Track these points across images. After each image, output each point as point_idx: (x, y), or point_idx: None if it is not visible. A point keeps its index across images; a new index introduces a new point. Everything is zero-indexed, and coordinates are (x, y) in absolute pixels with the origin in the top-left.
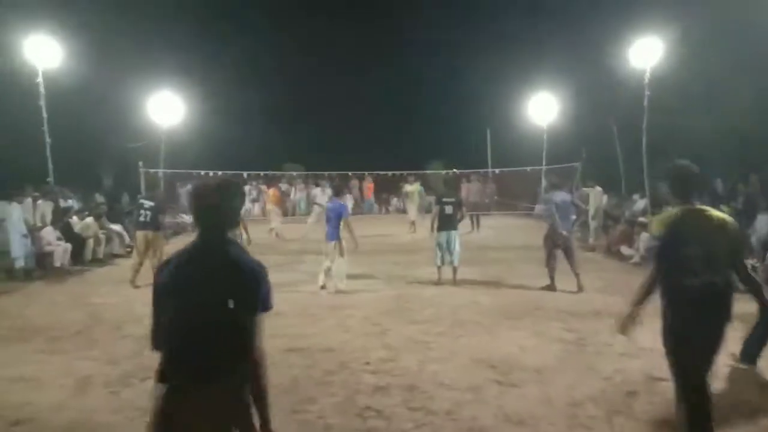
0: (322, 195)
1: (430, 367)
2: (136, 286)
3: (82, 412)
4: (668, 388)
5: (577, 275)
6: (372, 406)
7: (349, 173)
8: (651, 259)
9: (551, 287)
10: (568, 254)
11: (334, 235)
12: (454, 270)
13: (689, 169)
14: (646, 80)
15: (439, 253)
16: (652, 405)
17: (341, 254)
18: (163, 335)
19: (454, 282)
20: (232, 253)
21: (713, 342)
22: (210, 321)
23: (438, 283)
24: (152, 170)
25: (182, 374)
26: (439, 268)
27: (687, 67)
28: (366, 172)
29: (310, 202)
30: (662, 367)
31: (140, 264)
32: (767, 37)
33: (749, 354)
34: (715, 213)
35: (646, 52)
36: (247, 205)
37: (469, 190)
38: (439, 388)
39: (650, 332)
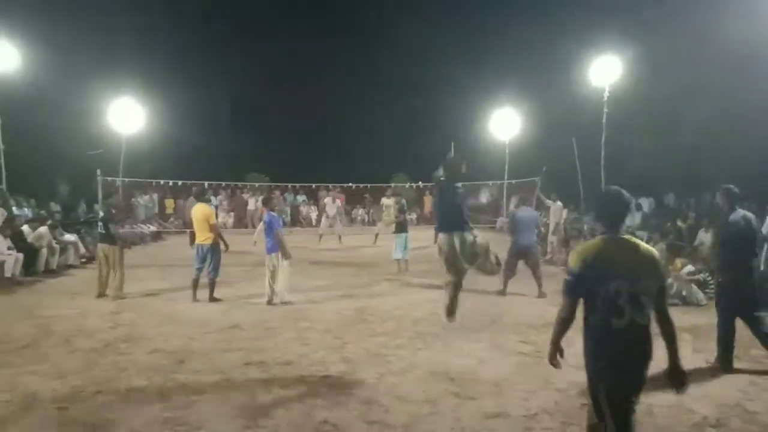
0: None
1: (389, 380)
2: (103, 296)
3: (26, 430)
4: None
5: (539, 285)
6: (329, 420)
7: (313, 185)
8: (567, 293)
9: (502, 292)
10: (532, 265)
11: (274, 247)
12: (406, 262)
13: (621, 196)
14: (605, 98)
15: (398, 250)
16: None
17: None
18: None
19: (404, 270)
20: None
21: (638, 384)
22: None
23: (397, 273)
24: (110, 178)
25: None
26: (398, 261)
27: (644, 87)
28: (330, 185)
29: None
30: None
31: (104, 276)
32: (722, 58)
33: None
34: (642, 244)
35: (605, 71)
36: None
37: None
38: (396, 401)
39: None
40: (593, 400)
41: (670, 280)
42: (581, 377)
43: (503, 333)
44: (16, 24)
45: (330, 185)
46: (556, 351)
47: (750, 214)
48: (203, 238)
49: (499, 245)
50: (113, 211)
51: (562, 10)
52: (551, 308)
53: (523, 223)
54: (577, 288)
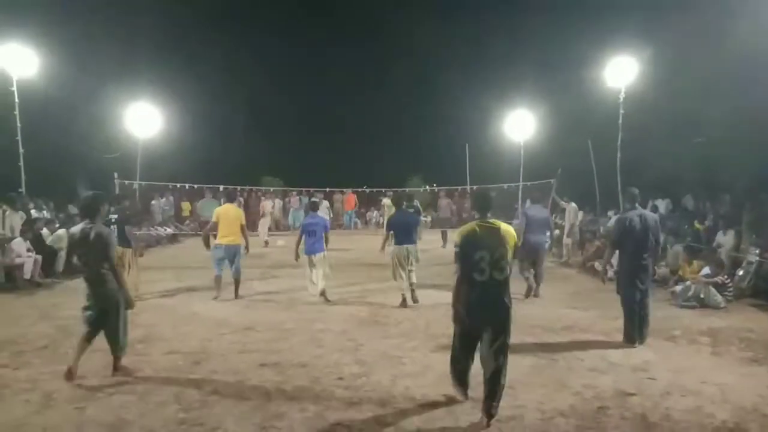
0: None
1: (403, 382)
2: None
3: (45, 429)
4: (639, 403)
5: (538, 284)
6: (342, 422)
7: (327, 189)
8: (455, 260)
9: (529, 293)
10: (536, 264)
11: (322, 247)
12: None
13: (487, 193)
14: (621, 99)
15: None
16: (623, 420)
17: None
18: None
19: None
20: None
21: (492, 318)
22: None
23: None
24: (127, 182)
25: None
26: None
27: (662, 87)
28: (342, 189)
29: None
30: (632, 382)
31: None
32: (739, 59)
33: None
34: (502, 225)
35: (621, 72)
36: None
37: (440, 206)
38: (411, 403)
39: (620, 349)
40: (455, 332)
41: (687, 283)
42: (597, 381)
43: (517, 335)
44: (36, 29)
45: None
46: (457, 302)
47: (649, 213)
48: (233, 238)
49: None
50: (127, 213)
51: (578, 11)
52: (565, 311)
53: (535, 222)
54: (461, 255)
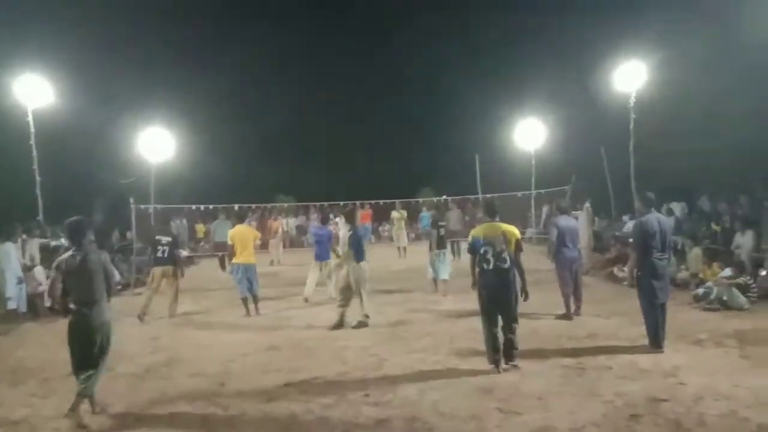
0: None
1: (431, 396)
2: (142, 320)
3: None
4: (671, 409)
5: (580, 300)
6: None
7: (341, 203)
8: (469, 251)
9: (568, 316)
10: (576, 279)
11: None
12: (444, 282)
13: (493, 201)
14: (631, 104)
15: (432, 268)
16: (657, 427)
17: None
18: None
19: (444, 294)
20: None
21: (501, 297)
22: None
23: (434, 293)
24: (143, 206)
25: None
26: (434, 280)
27: (676, 91)
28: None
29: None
30: (663, 388)
31: (150, 299)
32: (756, 61)
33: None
34: (503, 225)
35: (630, 77)
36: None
37: (449, 217)
38: (440, 417)
39: (647, 355)
40: (479, 303)
41: (709, 284)
42: (627, 388)
43: (542, 346)
44: (50, 59)
45: (358, 202)
46: (474, 279)
47: (663, 216)
48: (250, 257)
49: (525, 257)
50: (178, 236)
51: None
52: (588, 319)
53: (568, 233)
54: (472, 248)
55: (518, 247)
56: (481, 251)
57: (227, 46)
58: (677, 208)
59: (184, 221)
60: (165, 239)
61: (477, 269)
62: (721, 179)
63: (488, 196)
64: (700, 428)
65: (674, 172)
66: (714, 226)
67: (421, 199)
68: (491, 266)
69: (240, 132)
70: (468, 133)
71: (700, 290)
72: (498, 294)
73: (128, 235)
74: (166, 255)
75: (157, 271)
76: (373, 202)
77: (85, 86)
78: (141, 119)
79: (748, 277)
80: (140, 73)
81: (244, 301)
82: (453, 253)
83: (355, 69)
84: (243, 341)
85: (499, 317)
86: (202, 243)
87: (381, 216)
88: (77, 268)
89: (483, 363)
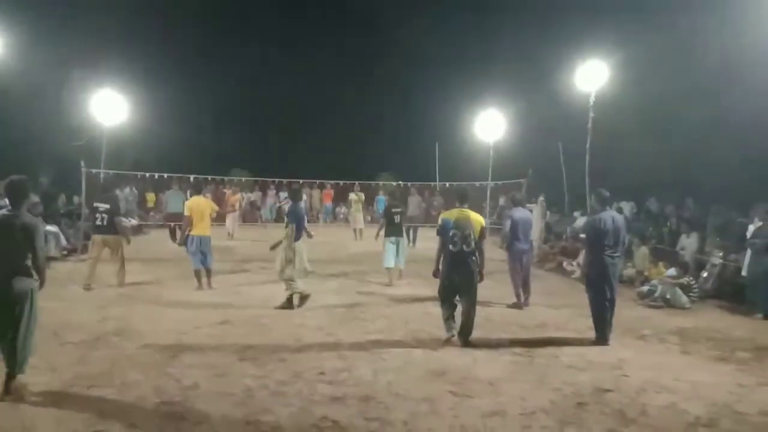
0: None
1: (385, 377)
2: (89, 289)
3: (20, 423)
4: (616, 399)
5: (528, 293)
6: (328, 416)
7: (300, 181)
8: (438, 234)
9: (518, 305)
10: (525, 271)
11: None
12: (400, 271)
13: (466, 188)
14: (591, 102)
15: (390, 256)
16: (603, 416)
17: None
18: None
19: (399, 278)
20: None
21: (463, 278)
22: None
23: (389, 284)
24: (94, 170)
25: None
26: (389, 270)
27: (633, 91)
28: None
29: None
30: (609, 379)
31: (93, 267)
32: (712, 65)
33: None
34: (471, 213)
35: (591, 76)
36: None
37: (409, 202)
38: (394, 398)
39: (594, 347)
40: (440, 285)
41: (654, 282)
42: (575, 378)
43: (494, 333)
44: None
45: (317, 181)
46: (437, 266)
47: (617, 214)
48: (205, 230)
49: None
50: (119, 203)
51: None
52: (538, 309)
53: (521, 226)
54: (442, 231)
55: (482, 234)
56: (450, 234)
57: (187, 11)
58: (626, 207)
59: (134, 189)
60: (103, 206)
61: (442, 251)
62: (670, 182)
63: (461, 183)
64: (643, 418)
65: (625, 171)
66: (663, 229)
67: (381, 183)
68: (457, 248)
69: (195, 103)
70: (429, 122)
71: (645, 288)
72: (460, 274)
73: (75, 199)
74: (105, 223)
75: (97, 239)
76: (333, 182)
77: (35, 44)
78: (94, 81)
79: (691, 278)
80: (95, 34)
81: (197, 273)
82: (409, 239)
83: (318, 49)
84: (195, 314)
85: (458, 303)
86: (152, 213)
87: (340, 197)
88: (10, 229)
89: (437, 346)
